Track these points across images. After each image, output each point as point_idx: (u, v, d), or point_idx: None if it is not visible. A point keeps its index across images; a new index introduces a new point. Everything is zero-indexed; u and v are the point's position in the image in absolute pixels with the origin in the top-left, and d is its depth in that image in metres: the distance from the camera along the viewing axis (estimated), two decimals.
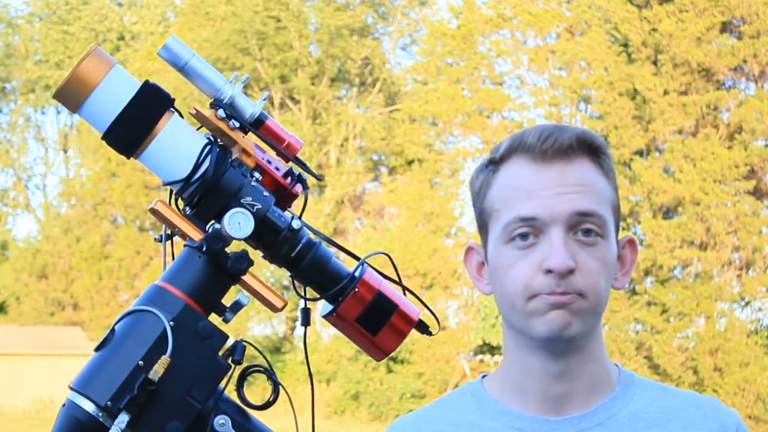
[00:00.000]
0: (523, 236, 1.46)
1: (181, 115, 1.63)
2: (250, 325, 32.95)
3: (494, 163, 1.53)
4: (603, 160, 1.52)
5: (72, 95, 1.58)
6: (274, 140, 1.66)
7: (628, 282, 1.56)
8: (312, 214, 32.44)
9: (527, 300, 1.45)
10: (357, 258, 1.68)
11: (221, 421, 1.56)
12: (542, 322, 1.45)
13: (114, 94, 1.58)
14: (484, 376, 1.60)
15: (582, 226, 1.46)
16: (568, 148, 1.48)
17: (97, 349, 1.54)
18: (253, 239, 1.61)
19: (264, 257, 1.65)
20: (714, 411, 1.53)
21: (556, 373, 1.49)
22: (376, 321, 1.64)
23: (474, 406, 1.56)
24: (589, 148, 1.50)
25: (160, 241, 1.69)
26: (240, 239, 1.57)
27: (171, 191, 1.63)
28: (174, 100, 1.62)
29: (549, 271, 1.43)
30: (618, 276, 1.53)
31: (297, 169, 1.68)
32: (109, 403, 1.49)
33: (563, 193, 1.46)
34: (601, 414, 1.51)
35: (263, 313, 32.08)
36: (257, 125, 1.65)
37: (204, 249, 1.56)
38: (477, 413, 1.55)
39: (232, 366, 1.58)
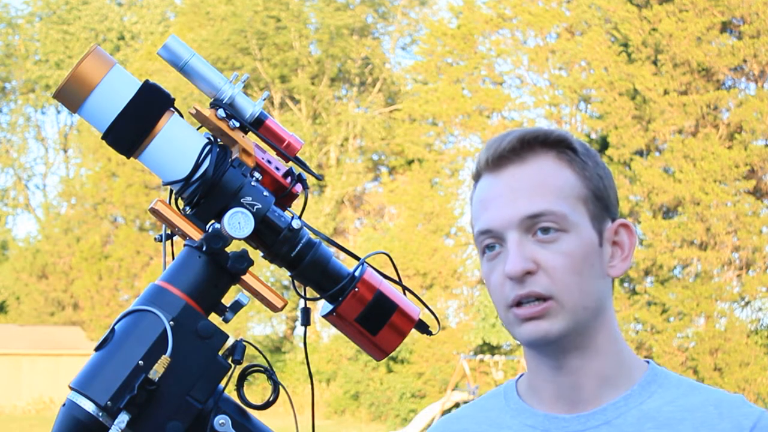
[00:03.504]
0: (490, 247, 1.50)
1: (181, 115, 1.63)
2: (250, 325, 32.97)
3: (475, 181, 1.57)
4: (565, 152, 1.51)
5: (72, 95, 1.58)
6: (274, 140, 1.66)
7: (629, 267, 1.53)
8: (312, 214, 32.44)
9: (505, 310, 1.48)
10: (357, 258, 1.68)
11: (221, 420, 1.56)
12: (520, 334, 1.48)
13: (114, 94, 1.58)
14: (521, 376, 1.63)
15: (538, 226, 1.46)
16: (510, 152, 1.50)
17: (97, 348, 1.54)
18: (253, 239, 1.61)
19: (264, 257, 1.65)
20: (731, 410, 1.47)
21: (557, 367, 1.50)
22: (376, 321, 1.64)
23: (502, 403, 1.59)
24: (544, 144, 1.51)
25: (160, 241, 1.69)
26: (240, 239, 1.57)
27: (171, 191, 1.63)
28: (174, 99, 1.62)
29: (510, 278, 1.45)
30: (615, 263, 1.52)
31: (297, 169, 1.68)
32: (109, 402, 1.48)
33: (513, 198, 1.48)
34: (610, 412, 1.49)
35: (263, 313, 32.10)
36: (257, 125, 1.65)
37: (204, 249, 1.56)
38: (501, 411, 1.58)
39: (232, 366, 1.58)
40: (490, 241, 1.49)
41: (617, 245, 1.53)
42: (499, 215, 1.48)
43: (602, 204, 1.51)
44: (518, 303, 1.46)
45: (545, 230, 1.46)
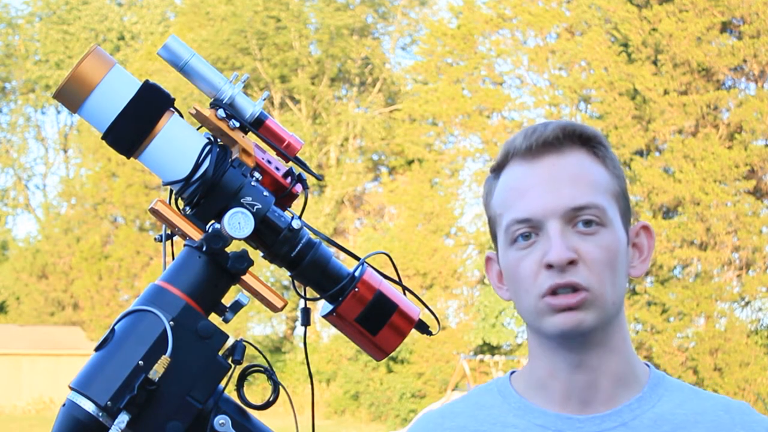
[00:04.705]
0: (525, 236, 1.47)
1: (181, 115, 1.63)
2: (250, 325, 32.97)
3: (495, 171, 1.55)
4: (598, 149, 1.52)
5: (72, 95, 1.58)
6: (274, 140, 1.66)
7: (647, 268, 1.54)
8: (312, 214, 32.44)
9: (536, 299, 1.46)
10: (357, 258, 1.68)
11: (221, 421, 1.56)
12: (552, 324, 1.45)
13: (114, 94, 1.58)
14: (512, 373, 1.61)
15: (580, 218, 1.46)
16: (554, 140, 1.49)
17: (97, 349, 1.54)
18: (253, 239, 1.61)
19: (264, 257, 1.65)
20: (743, 417, 1.50)
21: (577, 364, 1.49)
22: (376, 321, 1.64)
23: (499, 401, 1.56)
24: (580, 139, 1.51)
25: (160, 241, 1.69)
26: (240, 239, 1.57)
27: (171, 191, 1.63)
28: (174, 100, 1.62)
29: (550, 266, 1.44)
30: (635, 264, 1.54)
31: (297, 169, 1.68)
32: (109, 402, 1.48)
33: (555, 188, 1.47)
34: (626, 414, 1.49)
35: (263, 313, 32.10)
36: (257, 125, 1.65)
37: (204, 249, 1.56)
38: (501, 408, 1.55)
39: (232, 366, 1.58)
40: (527, 231, 1.47)
41: (636, 247, 1.55)
42: (540, 204, 1.46)
43: (627, 203, 1.54)
44: (552, 292, 1.44)
45: (588, 223, 1.45)
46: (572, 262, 1.43)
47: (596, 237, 1.45)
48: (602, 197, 1.47)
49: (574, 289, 1.44)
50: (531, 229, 1.47)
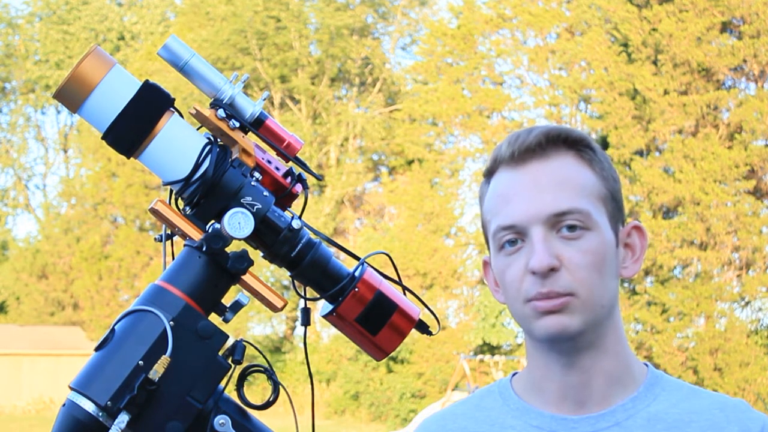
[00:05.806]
0: (511, 242, 1.49)
1: (181, 115, 1.63)
2: (250, 325, 32.96)
3: (487, 176, 1.56)
4: (585, 152, 1.52)
5: (72, 95, 1.58)
6: (274, 140, 1.66)
7: (640, 268, 1.55)
8: (312, 214, 32.44)
9: (523, 304, 1.48)
10: (357, 258, 1.68)
11: (221, 421, 1.56)
12: (539, 327, 1.47)
13: (114, 94, 1.58)
14: (514, 375, 1.62)
15: (564, 223, 1.46)
16: (537, 146, 1.50)
17: (97, 348, 1.54)
18: (253, 239, 1.61)
19: (264, 257, 1.65)
20: (738, 414, 1.50)
21: (569, 365, 1.50)
22: (376, 321, 1.64)
23: (499, 403, 1.58)
24: (565, 143, 1.51)
25: (160, 241, 1.69)
26: (240, 239, 1.57)
27: (171, 191, 1.63)
28: (174, 100, 1.62)
29: (534, 272, 1.45)
30: (627, 264, 1.54)
31: (297, 169, 1.68)
32: (109, 402, 1.48)
33: (539, 194, 1.47)
34: (619, 414, 1.50)
35: (263, 313, 32.10)
36: (257, 125, 1.65)
37: (204, 249, 1.56)
38: (500, 410, 1.57)
39: (232, 366, 1.58)
40: (512, 237, 1.48)
41: (628, 247, 1.55)
42: (523, 210, 1.47)
43: (617, 205, 1.53)
44: (537, 297, 1.46)
45: (572, 228, 1.46)
46: (554, 269, 1.44)
47: (580, 241, 1.46)
48: (587, 201, 1.48)
49: (557, 294, 1.45)
50: (516, 235, 1.48)
